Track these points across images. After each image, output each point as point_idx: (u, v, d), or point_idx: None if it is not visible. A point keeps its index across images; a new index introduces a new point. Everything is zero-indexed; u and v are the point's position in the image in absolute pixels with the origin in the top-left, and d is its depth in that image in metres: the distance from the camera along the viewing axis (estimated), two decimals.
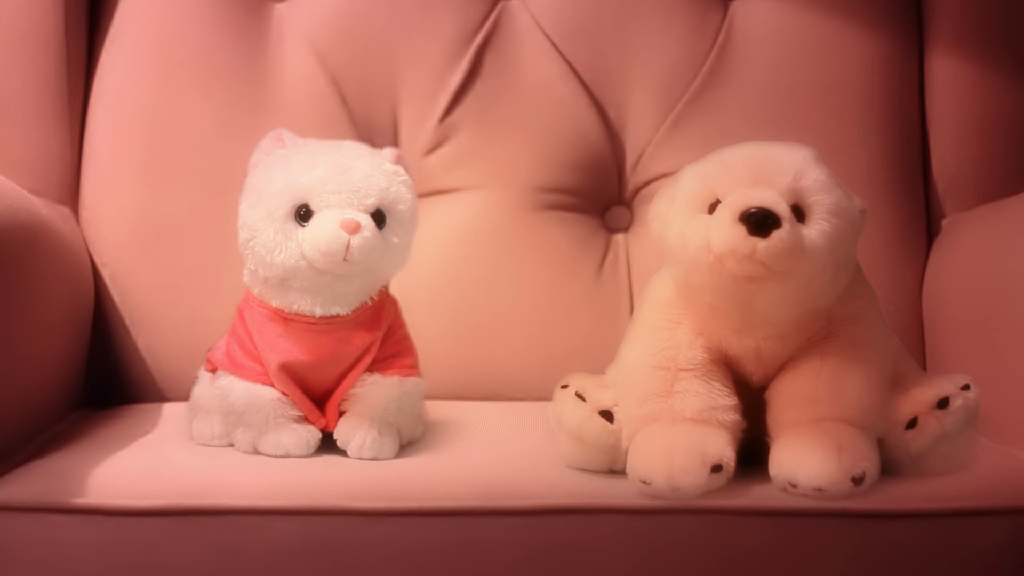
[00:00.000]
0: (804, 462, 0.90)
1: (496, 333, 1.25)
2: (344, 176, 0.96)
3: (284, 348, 0.99)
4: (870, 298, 0.98)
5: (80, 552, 0.89)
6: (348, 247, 0.94)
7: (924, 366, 1.21)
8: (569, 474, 0.95)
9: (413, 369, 1.03)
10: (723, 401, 0.93)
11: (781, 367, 0.95)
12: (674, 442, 0.90)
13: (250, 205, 0.98)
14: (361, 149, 1.01)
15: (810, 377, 0.94)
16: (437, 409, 1.12)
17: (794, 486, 0.90)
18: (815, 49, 1.29)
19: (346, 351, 0.99)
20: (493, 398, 1.23)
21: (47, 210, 1.16)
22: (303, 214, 0.96)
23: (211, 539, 0.89)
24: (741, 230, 0.88)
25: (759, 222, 0.87)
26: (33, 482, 0.93)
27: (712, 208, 0.91)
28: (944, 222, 1.28)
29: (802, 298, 0.92)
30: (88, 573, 0.89)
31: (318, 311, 0.98)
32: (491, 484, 0.92)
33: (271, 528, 0.89)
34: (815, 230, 0.90)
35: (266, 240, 0.97)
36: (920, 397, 0.94)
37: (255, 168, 1.00)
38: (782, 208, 0.88)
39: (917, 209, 1.28)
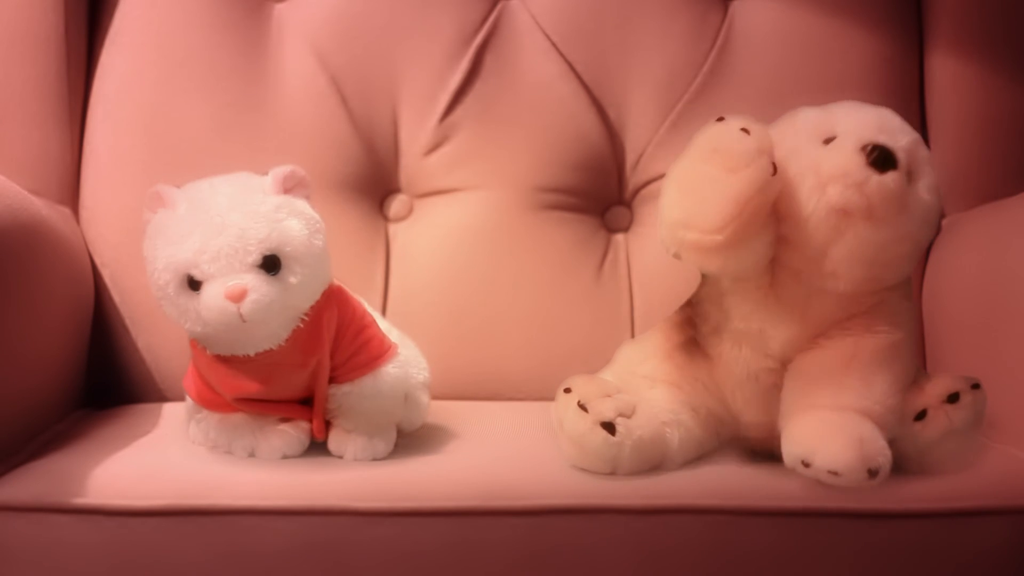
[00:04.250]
0: (823, 443, 0.89)
1: (496, 333, 1.25)
2: (220, 239, 0.91)
3: (232, 386, 0.97)
4: (912, 304, 0.99)
5: (80, 552, 0.89)
6: (240, 314, 0.91)
7: (924, 366, 1.21)
8: (569, 474, 0.95)
9: (377, 360, 1.00)
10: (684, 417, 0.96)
11: (812, 342, 0.95)
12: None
13: (149, 275, 0.96)
14: (236, 194, 0.94)
15: (841, 363, 0.93)
16: (437, 409, 1.12)
17: (807, 465, 0.88)
18: (815, 49, 1.29)
19: (292, 377, 0.98)
20: (493, 398, 1.23)
21: (47, 210, 1.16)
22: (192, 283, 0.93)
23: (211, 539, 0.89)
24: (860, 159, 0.89)
25: (881, 157, 0.88)
26: (33, 482, 0.93)
27: (828, 142, 0.92)
28: (944, 222, 1.28)
29: (879, 258, 0.92)
30: (88, 573, 0.89)
31: (251, 352, 0.96)
32: (491, 484, 0.92)
33: (271, 528, 0.89)
34: (919, 197, 0.91)
35: (169, 310, 0.95)
36: (931, 391, 0.95)
37: (146, 230, 0.96)
38: (902, 156, 0.90)
39: None
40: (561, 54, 1.29)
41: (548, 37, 1.30)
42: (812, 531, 0.90)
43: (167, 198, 0.95)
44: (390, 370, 1.00)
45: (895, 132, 0.92)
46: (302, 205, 0.97)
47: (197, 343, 0.99)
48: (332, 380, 0.99)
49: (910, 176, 0.91)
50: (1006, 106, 1.28)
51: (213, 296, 0.92)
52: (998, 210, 1.20)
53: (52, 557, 0.89)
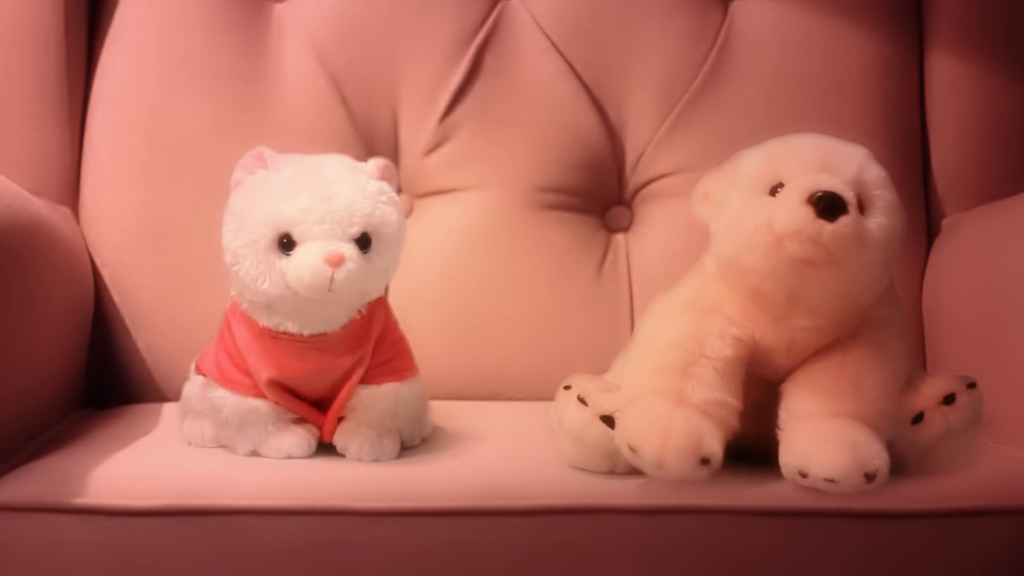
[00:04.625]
0: (818, 452, 0.89)
1: (496, 333, 1.25)
2: (327, 204, 0.94)
3: (273, 364, 0.98)
4: (899, 307, 0.98)
5: (80, 552, 0.89)
6: (332, 280, 0.92)
7: (924, 366, 1.21)
8: (569, 474, 0.95)
9: (408, 372, 1.02)
10: (731, 400, 0.92)
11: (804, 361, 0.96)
12: (674, 422, 0.90)
13: (232, 231, 0.96)
14: (344, 170, 0.97)
15: (831, 371, 0.93)
16: (437, 409, 1.12)
17: (804, 475, 0.89)
18: (815, 49, 1.29)
19: (336, 364, 0.98)
20: (493, 398, 1.23)
21: (47, 210, 1.16)
22: (286, 243, 0.94)
23: (211, 539, 0.89)
24: (809, 212, 0.88)
25: (828, 205, 0.88)
26: (33, 482, 0.93)
27: (774, 191, 0.91)
28: (944, 222, 1.28)
29: (850, 290, 0.92)
30: (88, 573, 0.89)
31: (306, 332, 0.97)
32: (491, 484, 0.92)
33: (271, 528, 0.89)
34: (875, 224, 0.90)
35: (249, 268, 0.95)
36: (927, 392, 0.95)
37: (237, 188, 0.98)
38: (850, 196, 0.89)
39: (917, 209, 1.28)
40: (561, 54, 1.29)
41: (548, 37, 1.30)
42: (811, 531, 0.90)
43: (270, 160, 0.97)
44: (416, 383, 1.02)
45: (839, 165, 0.91)
46: (397, 198, 1.00)
47: (245, 316, 0.99)
48: (361, 380, 1.00)
49: (864, 206, 0.91)
50: (1006, 106, 1.28)
51: (311, 255, 0.93)
52: (998, 210, 1.20)
53: (52, 557, 0.89)
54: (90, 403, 1.22)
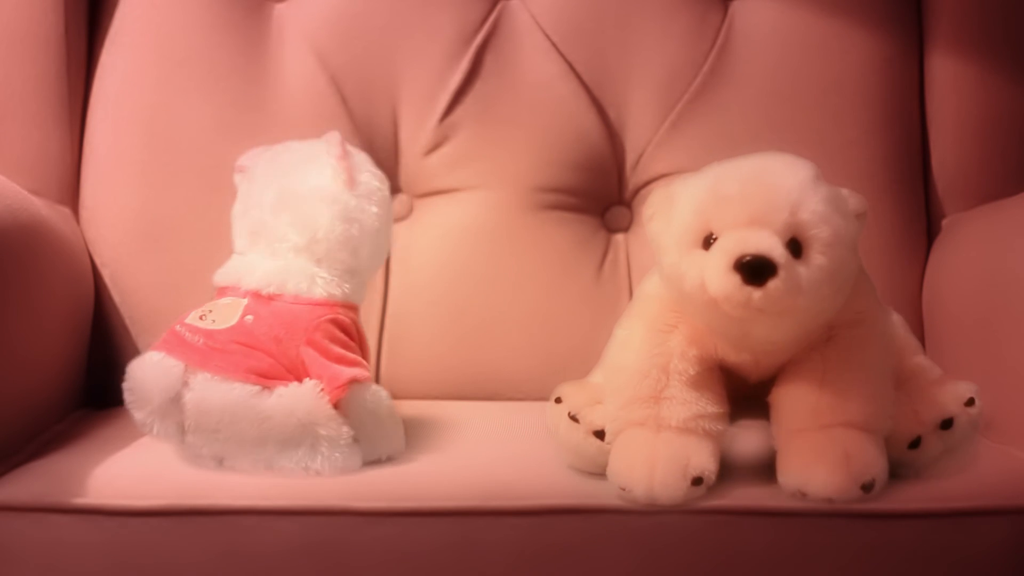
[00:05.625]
0: (813, 472, 0.89)
1: (496, 333, 1.25)
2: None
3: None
4: (870, 296, 0.97)
5: (80, 552, 0.89)
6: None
7: None
8: (569, 474, 0.95)
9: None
10: (711, 410, 0.93)
11: (781, 368, 0.95)
12: (656, 452, 0.90)
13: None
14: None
15: (813, 385, 0.93)
16: (437, 409, 1.12)
17: (804, 495, 0.90)
18: (815, 49, 1.29)
19: None
20: (493, 398, 1.23)
21: (47, 210, 1.16)
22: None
23: (211, 539, 0.89)
24: (736, 279, 0.85)
25: (754, 271, 0.85)
26: (33, 482, 0.93)
27: (707, 242, 0.89)
28: (944, 222, 1.28)
29: (802, 323, 0.91)
30: (88, 573, 0.89)
31: None
32: (491, 484, 0.92)
33: (271, 528, 0.89)
34: (814, 266, 0.87)
35: None
36: (925, 417, 0.94)
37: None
38: (778, 253, 0.86)
39: (917, 209, 1.28)
40: (561, 54, 1.29)
41: (548, 37, 1.30)
42: (811, 531, 0.90)
43: None
44: None
45: (768, 213, 0.87)
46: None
47: None
48: None
49: (801, 247, 0.88)
50: (1006, 106, 1.28)
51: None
52: (998, 210, 1.20)
53: (52, 557, 0.89)
54: (90, 403, 1.22)
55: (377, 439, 0.97)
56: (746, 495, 0.91)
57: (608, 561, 0.90)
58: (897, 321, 1.06)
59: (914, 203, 1.28)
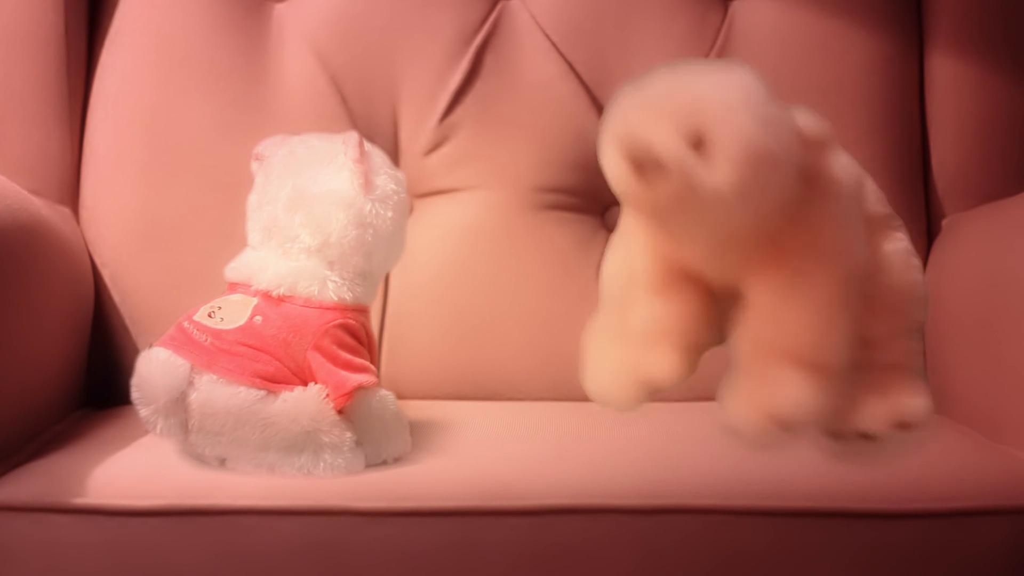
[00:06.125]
0: (738, 408, 0.90)
1: (496, 333, 1.25)
2: None
3: None
4: (827, 200, 0.90)
5: (80, 552, 0.89)
6: None
7: (924, 366, 1.21)
8: (569, 474, 0.95)
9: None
10: (674, 307, 0.93)
11: (742, 283, 0.92)
12: (614, 359, 0.95)
13: None
14: None
15: (757, 319, 0.90)
16: (437, 409, 1.12)
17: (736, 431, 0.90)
18: (815, 49, 1.29)
19: None
20: (493, 398, 1.23)
21: (47, 210, 1.16)
22: None
23: (211, 539, 0.89)
24: (623, 169, 0.86)
25: (638, 163, 0.84)
26: (33, 482, 0.93)
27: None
28: (944, 222, 1.28)
29: (718, 227, 0.88)
30: (88, 573, 0.89)
31: None
32: (491, 484, 0.92)
33: (271, 528, 0.89)
34: (718, 172, 0.84)
35: None
36: (879, 413, 0.93)
37: None
38: (669, 148, 0.84)
39: (917, 209, 1.28)
40: (561, 54, 1.29)
41: (548, 37, 1.30)
42: (811, 531, 0.90)
43: None
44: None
45: (676, 111, 0.87)
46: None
47: None
48: None
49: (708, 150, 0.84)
50: (1006, 106, 1.28)
51: None
52: (998, 210, 1.20)
53: (52, 557, 0.89)
54: (90, 403, 1.22)
55: (382, 443, 0.97)
56: (746, 495, 0.91)
57: (608, 561, 0.90)
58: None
59: (914, 203, 1.28)
